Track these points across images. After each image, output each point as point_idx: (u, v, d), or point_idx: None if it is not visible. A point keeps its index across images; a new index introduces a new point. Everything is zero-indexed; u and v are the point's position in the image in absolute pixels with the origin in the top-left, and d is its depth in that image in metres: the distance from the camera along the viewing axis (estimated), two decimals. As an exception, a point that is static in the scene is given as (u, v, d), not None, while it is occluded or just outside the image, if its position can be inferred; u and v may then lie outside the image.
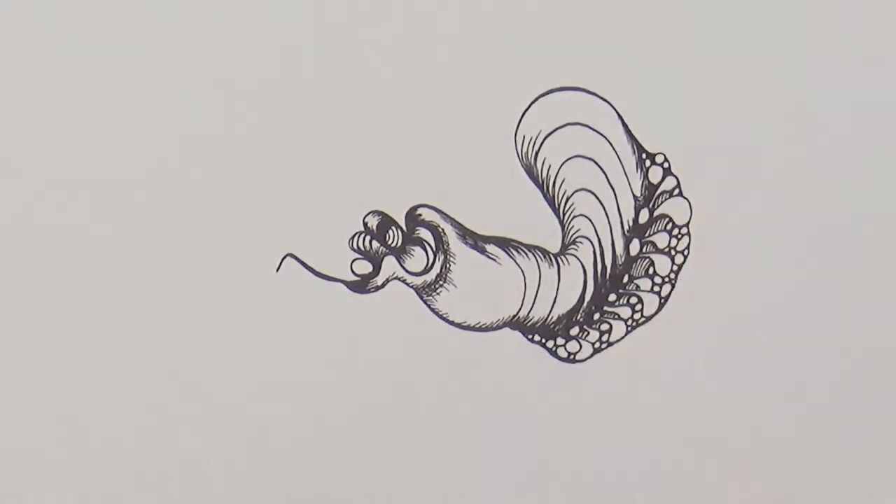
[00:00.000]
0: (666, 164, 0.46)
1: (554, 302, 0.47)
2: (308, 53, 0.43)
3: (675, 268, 0.47)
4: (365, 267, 0.45)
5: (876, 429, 0.48)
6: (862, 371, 0.48)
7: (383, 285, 0.45)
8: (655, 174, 0.46)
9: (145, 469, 0.46)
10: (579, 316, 0.47)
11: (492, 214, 0.45)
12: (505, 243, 0.46)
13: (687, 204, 0.46)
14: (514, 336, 0.46)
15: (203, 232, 0.44)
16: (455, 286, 0.46)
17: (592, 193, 0.46)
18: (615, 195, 0.46)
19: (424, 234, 0.45)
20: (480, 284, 0.46)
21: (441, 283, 0.46)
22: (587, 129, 0.45)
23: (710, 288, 0.47)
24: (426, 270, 0.46)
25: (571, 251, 0.46)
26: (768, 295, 0.47)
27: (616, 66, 0.45)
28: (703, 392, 0.48)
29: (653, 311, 0.47)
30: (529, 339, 0.47)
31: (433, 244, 0.45)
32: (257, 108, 0.43)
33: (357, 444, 0.47)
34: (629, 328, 0.47)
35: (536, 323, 0.47)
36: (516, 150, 0.45)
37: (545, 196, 0.46)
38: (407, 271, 0.46)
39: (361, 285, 0.45)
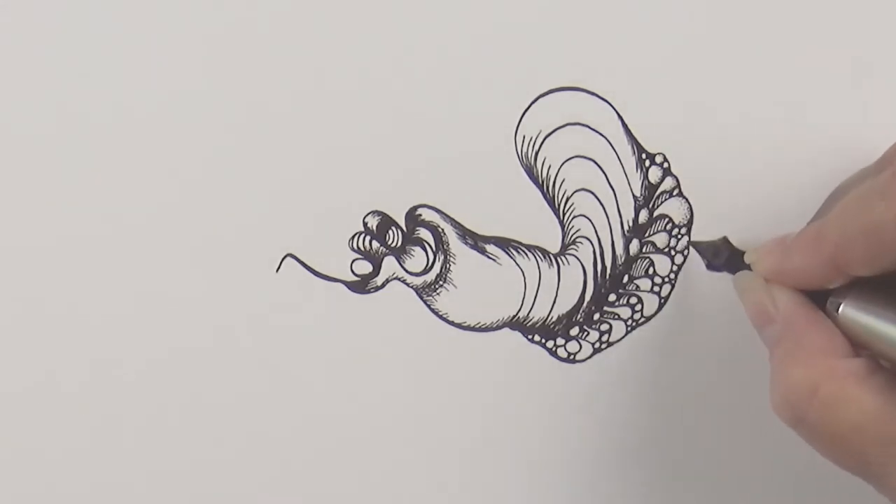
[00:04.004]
0: (666, 164, 0.46)
1: (554, 302, 0.47)
2: (307, 53, 0.43)
3: (675, 268, 0.47)
4: (365, 267, 0.45)
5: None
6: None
7: (383, 285, 0.45)
8: (655, 174, 0.46)
9: (143, 469, 0.46)
10: (579, 316, 0.47)
11: (492, 214, 0.45)
12: (505, 243, 0.46)
13: (687, 204, 0.46)
14: (514, 336, 0.47)
15: (202, 232, 0.44)
16: (455, 286, 0.46)
17: (592, 193, 0.46)
18: (615, 195, 0.46)
19: (424, 234, 0.45)
20: (480, 284, 0.46)
21: (441, 283, 0.46)
22: (587, 129, 0.45)
23: (710, 288, 0.47)
24: (426, 270, 0.46)
25: (571, 251, 0.46)
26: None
27: (616, 66, 0.45)
28: (704, 392, 0.48)
29: (653, 311, 0.47)
30: (529, 340, 0.47)
31: (433, 244, 0.45)
32: (256, 108, 0.43)
33: (356, 444, 0.47)
34: (629, 328, 0.47)
35: (536, 323, 0.47)
36: (516, 150, 0.45)
37: (545, 196, 0.46)
38: (407, 271, 0.46)
39: (361, 285, 0.45)
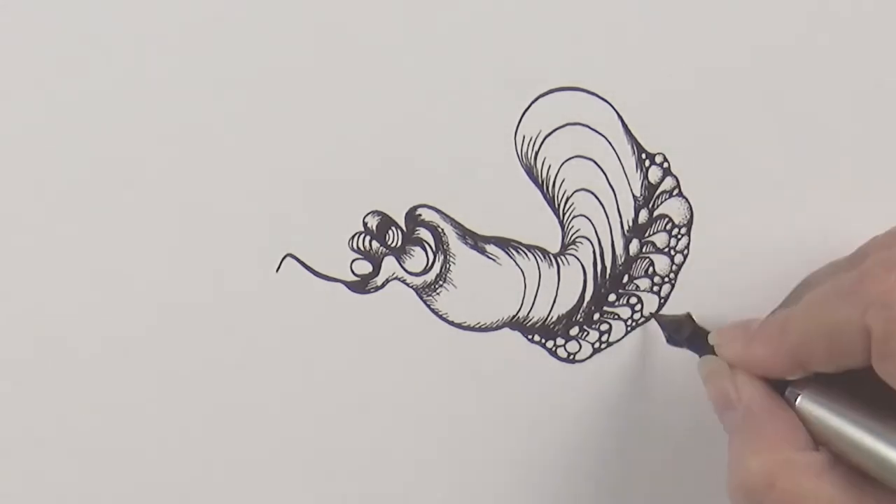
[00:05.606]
0: (666, 164, 0.46)
1: (554, 302, 0.47)
2: (307, 53, 0.43)
3: (674, 268, 0.47)
4: (365, 267, 0.45)
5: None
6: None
7: (383, 285, 0.45)
8: (655, 174, 0.46)
9: (142, 467, 0.46)
10: (579, 316, 0.47)
11: (492, 214, 0.45)
12: (505, 243, 0.46)
13: (687, 204, 0.46)
14: (514, 336, 0.47)
15: (202, 232, 0.44)
16: (455, 286, 0.46)
17: (592, 193, 0.46)
18: (615, 195, 0.46)
19: (424, 234, 0.45)
20: (480, 284, 0.46)
21: (441, 283, 0.46)
22: (587, 129, 0.45)
23: (709, 288, 0.47)
24: (426, 270, 0.46)
25: (571, 251, 0.46)
26: (767, 295, 0.47)
27: (616, 66, 0.45)
28: (704, 392, 0.48)
29: (653, 312, 0.47)
30: (529, 340, 0.47)
31: (433, 244, 0.45)
32: (256, 108, 0.43)
33: (356, 444, 0.47)
34: (629, 328, 0.47)
35: (536, 323, 0.47)
36: (516, 150, 0.45)
37: (545, 196, 0.46)
38: (407, 271, 0.46)
39: (361, 285, 0.45)
